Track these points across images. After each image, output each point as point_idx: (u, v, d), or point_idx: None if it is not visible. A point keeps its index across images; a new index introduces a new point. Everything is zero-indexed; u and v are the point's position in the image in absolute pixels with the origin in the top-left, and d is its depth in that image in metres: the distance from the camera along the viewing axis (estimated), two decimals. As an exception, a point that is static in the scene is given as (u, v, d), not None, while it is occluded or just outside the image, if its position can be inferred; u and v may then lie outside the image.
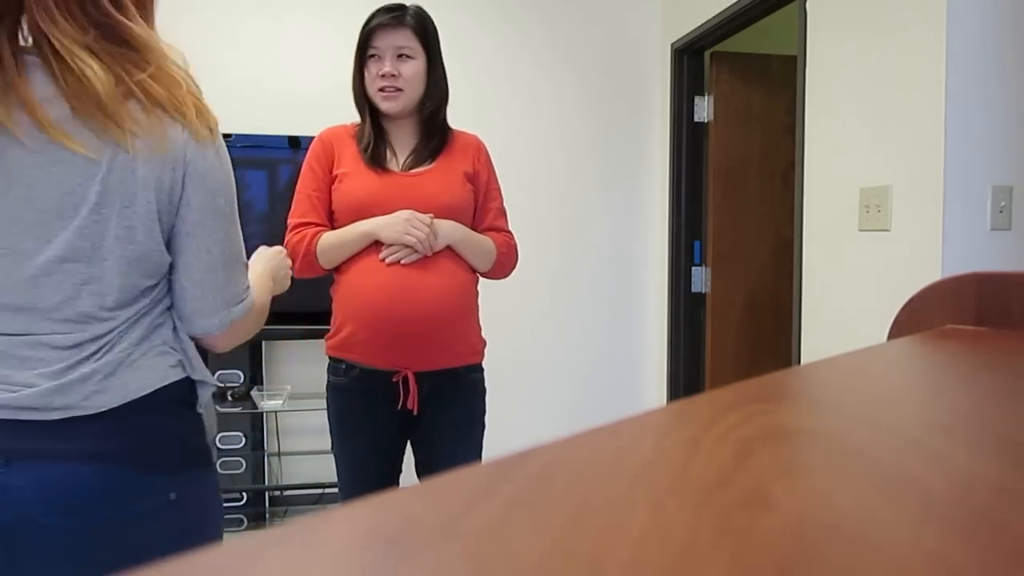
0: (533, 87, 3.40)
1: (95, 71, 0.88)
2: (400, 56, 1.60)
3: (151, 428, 0.93)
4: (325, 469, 2.97)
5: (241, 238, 1.03)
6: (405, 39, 1.61)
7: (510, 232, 1.78)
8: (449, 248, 1.61)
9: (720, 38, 3.12)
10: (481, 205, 1.72)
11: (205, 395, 1.01)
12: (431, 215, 1.57)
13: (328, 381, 1.67)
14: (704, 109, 3.32)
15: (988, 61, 1.88)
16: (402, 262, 1.54)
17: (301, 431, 3.16)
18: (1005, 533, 0.21)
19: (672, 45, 3.35)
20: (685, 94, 3.32)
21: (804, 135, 2.43)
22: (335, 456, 1.71)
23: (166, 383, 0.94)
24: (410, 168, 1.65)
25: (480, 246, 1.68)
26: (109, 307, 0.91)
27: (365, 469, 1.66)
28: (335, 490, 2.90)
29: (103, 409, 0.89)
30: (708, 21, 3.01)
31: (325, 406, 1.70)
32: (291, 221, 1.64)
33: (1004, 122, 1.90)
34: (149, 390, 0.92)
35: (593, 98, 3.47)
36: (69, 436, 0.89)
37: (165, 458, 0.94)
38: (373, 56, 1.62)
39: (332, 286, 1.67)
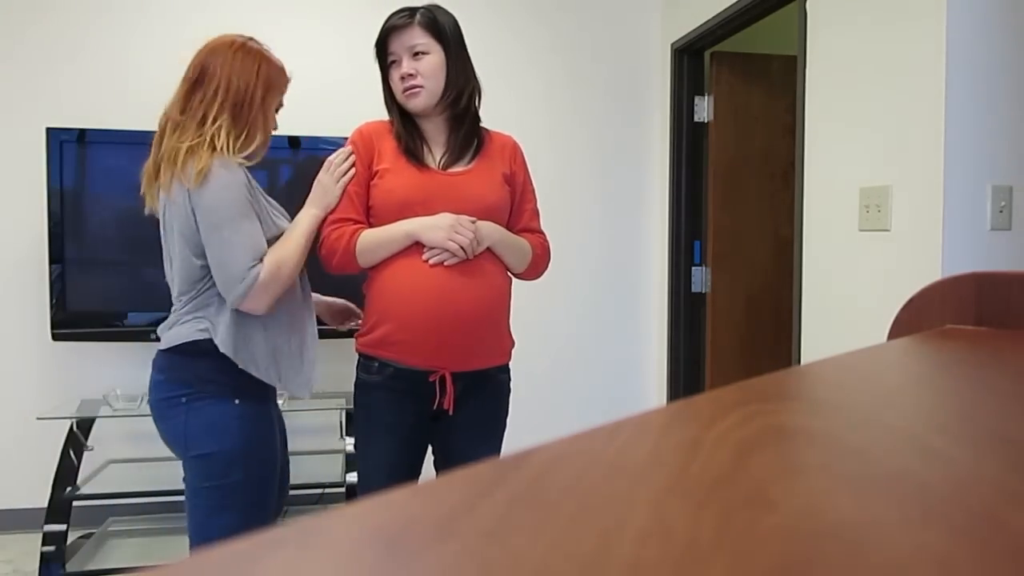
0: (533, 87, 3.40)
1: (164, 141, 1.56)
2: (416, 55, 1.62)
3: (180, 361, 1.55)
4: (325, 469, 2.97)
5: (242, 233, 1.50)
6: (417, 37, 1.62)
7: (543, 233, 1.79)
8: (488, 250, 1.61)
9: (720, 38, 3.12)
10: (517, 206, 1.73)
11: (231, 355, 1.53)
12: (474, 219, 1.57)
13: (357, 378, 1.65)
14: (704, 109, 3.32)
15: (988, 61, 1.88)
16: (445, 263, 1.55)
17: (301, 431, 3.16)
18: (1005, 533, 0.21)
19: (672, 45, 3.35)
20: (685, 94, 3.32)
21: (804, 135, 2.43)
22: (360, 454, 1.68)
23: (192, 339, 1.53)
24: (448, 165, 1.65)
25: (518, 248, 1.69)
26: (177, 295, 1.58)
27: (391, 468, 1.63)
28: (335, 490, 2.91)
29: (164, 347, 1.56)
30: (708, 21, 3.01)
31: (351, 403, 1.69)
32: (329, 216, 1.62)
33: (1004, 122, 1.90)
34: (181, 341, 1.54)
35: (593, 98, 3.47)
36: (157, 359, 1.60)
37: (183, 378, 1.55)
38: (393, 62, 1.64)
39: (366, 283, 1.66)
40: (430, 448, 1.73)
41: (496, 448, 1.72)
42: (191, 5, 3.06)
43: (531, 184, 1.79)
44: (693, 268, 3.35)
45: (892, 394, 0.40)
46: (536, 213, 1.78)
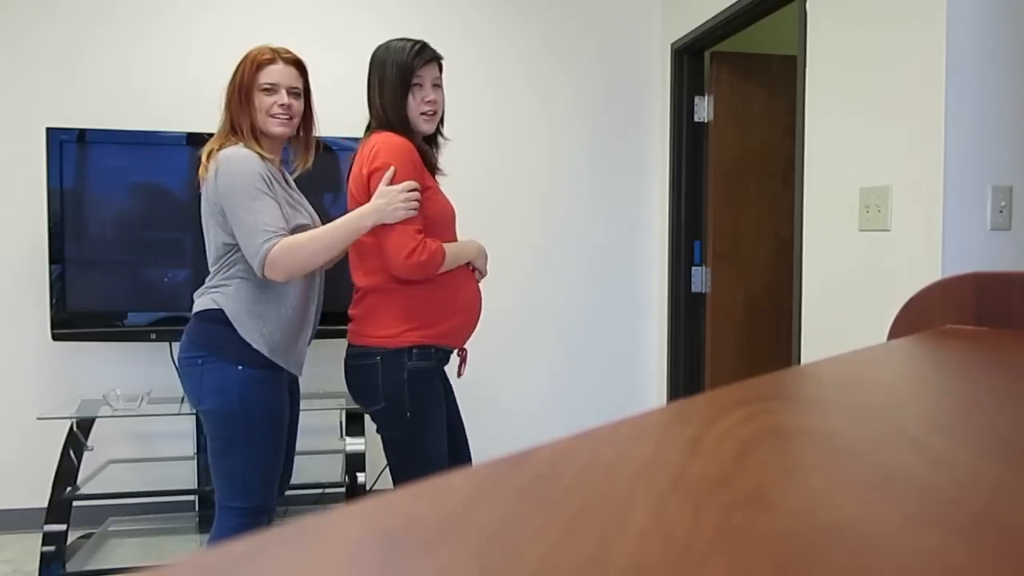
0: (533, 87, 3.40)
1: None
2: (435, 87, 1.89)
3: (200, 327, 1.83)
4: (325, 469, 2.97)
5: (255, 213, 1.73)
6: (438, 71, 1.91)
7: None
8: None
9: (720, 38, 3.11)
10: None
11: (236, 326, 1.80)
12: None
13: (415, 368, 1.81)
14: (704, 109, 3.32)
15: (988, 61, 1.88)
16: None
17: (301, 431, 3.16)
18: (1005, 533, 0.21)
19: (672, 45, 3.35)
20: (685, 94, 3.32)
21: (804, 135, 2.43)
22: (429, 431, 1.82)
23: (206, 308, 1.81)
24: None
25: None
26: (209, 265, 1.86)
27: (445, 433, 1.89)
28: (335, 490, 2.92)
29: (192, 313, 1.85)
30: (708, 21, 3.01)
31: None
32: (412, 227, 1.76)
33: (1004, 122, 1.90)
34: (200, 309, 1.82)
35: (593, 98, 3.47)
36: (188, 323, 1.86)
37: (200, 342, 1.82)
38: (417, 85, 1.86)
39: (425, 286, 1.82)
40: None
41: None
42: (191, 6, 3.06)
43: None
44: (693, 268, 3.35)
45: (892, 394, 0.40)
46: None
